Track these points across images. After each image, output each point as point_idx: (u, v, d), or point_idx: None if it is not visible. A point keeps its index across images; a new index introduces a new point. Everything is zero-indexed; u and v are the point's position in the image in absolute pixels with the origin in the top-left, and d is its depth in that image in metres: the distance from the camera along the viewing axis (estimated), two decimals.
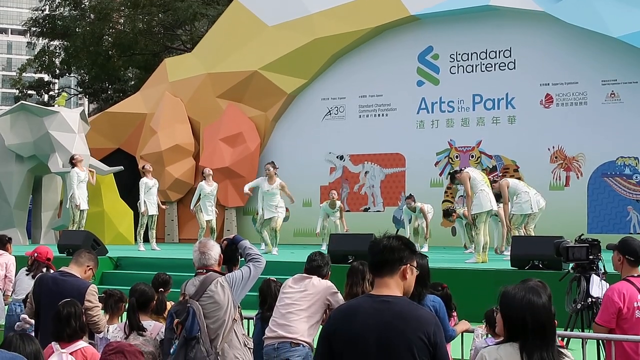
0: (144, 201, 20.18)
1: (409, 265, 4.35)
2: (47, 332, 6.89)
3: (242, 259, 6.82)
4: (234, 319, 6.48)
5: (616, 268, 6.96)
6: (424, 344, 4.11)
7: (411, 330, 4.12)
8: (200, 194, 20.12)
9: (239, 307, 6.64)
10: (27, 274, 10.22)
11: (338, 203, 20.72)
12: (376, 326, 4.16)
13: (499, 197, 16.27)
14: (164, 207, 21.69)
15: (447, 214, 19.33)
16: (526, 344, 4.14)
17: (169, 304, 7.88)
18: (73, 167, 20.17)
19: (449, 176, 16.30)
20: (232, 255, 6.79)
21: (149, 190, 20.34)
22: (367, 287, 7.07)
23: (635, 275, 6.71)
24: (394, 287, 4.30)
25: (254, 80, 25.59)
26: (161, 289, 7.31)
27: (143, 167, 20.95)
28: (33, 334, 7.21)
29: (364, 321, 4.19)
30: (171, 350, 6.27)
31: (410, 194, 20.22)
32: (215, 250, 6.65)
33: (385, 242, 4.38)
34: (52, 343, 6.35)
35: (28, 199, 24.73)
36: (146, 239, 20.74)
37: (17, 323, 8.31)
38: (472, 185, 15.40)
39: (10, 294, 11.07)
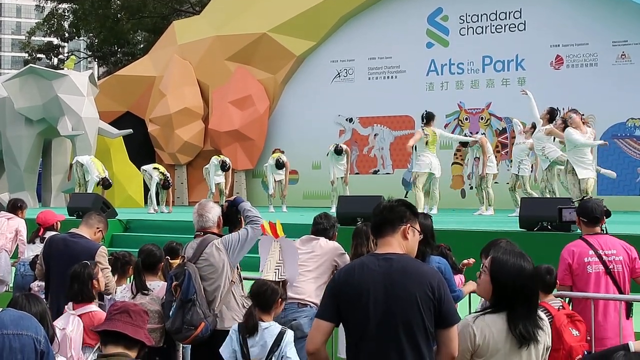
0: None
1: (409, 225, 4.38)
2: (57, 292, 6.93)
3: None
4: (232, 280, 6.50)
5: (580, 229, 7.26)
6: (428, 298, 4.17)
7: (415, 285, 4.18)
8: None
9: (238, 269, 6.66)
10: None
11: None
12: (381, 283, 4.21)
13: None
14: None
15: (465, 143, 19.00)
16: (514, 313, 4.20)
17: None
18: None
19: (551, 113, 15.95)
20: (233, 217, 6.80)
21: None
22: (372, 246, 7.05)
23: (592, 234, 6.98)
24: (396, 245, 4.33)
25: (263, 43, 25.48)
26: (167, 257, 7.32)
27: None
28: (43, 295, 7.26)
29: (368, 279, 4.24)
30: (170, 313, 6.34)
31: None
32: (213, 212, 6.66)
33: (386, 202, 4.42)
34: (70, 304, 6.33)
35: (38, 162, 24.82)
36: (158, 202, 21.07)
37: (35, 282, 8.40)
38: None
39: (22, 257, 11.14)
